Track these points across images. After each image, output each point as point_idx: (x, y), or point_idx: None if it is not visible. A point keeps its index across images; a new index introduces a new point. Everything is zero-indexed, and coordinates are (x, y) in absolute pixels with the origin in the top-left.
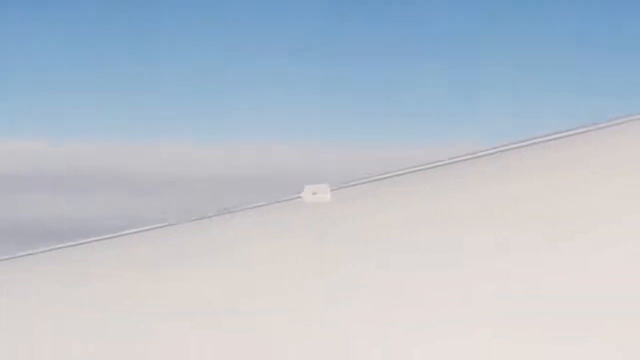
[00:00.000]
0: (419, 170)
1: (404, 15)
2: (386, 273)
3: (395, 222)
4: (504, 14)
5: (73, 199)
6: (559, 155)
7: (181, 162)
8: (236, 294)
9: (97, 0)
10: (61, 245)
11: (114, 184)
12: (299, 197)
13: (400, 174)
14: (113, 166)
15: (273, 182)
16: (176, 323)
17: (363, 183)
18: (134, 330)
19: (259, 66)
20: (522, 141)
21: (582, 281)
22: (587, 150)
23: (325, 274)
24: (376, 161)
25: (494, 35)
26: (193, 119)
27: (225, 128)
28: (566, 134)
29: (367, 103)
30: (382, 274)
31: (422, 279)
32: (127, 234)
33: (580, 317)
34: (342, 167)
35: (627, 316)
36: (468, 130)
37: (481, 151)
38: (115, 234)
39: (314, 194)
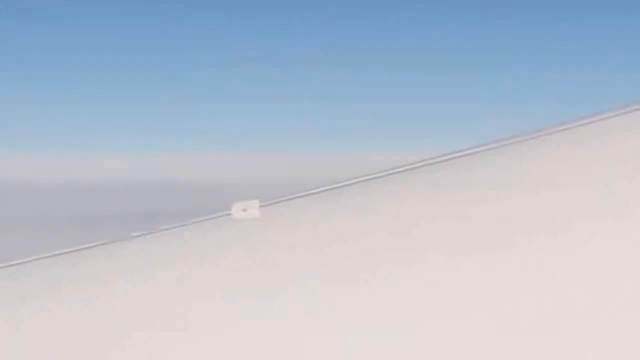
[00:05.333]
0: (350, 184)
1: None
2: (315, 289)
3: (324, 238)
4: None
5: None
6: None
7: (115, 172)
8: (166, 312)
9: None
10: None
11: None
12: (229, 213)
13: (332, 188)
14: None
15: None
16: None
17: (293, 199)
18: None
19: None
20: (466, 150)
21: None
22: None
23: (255, 291)
24: (311, 173)
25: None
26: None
27: (164, 138)
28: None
29: (305, 113)
30: (311, 291)
31: (347, 296)
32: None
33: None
34: (278, 180)
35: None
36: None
37: (424, 160)
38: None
39: (244, 210)
